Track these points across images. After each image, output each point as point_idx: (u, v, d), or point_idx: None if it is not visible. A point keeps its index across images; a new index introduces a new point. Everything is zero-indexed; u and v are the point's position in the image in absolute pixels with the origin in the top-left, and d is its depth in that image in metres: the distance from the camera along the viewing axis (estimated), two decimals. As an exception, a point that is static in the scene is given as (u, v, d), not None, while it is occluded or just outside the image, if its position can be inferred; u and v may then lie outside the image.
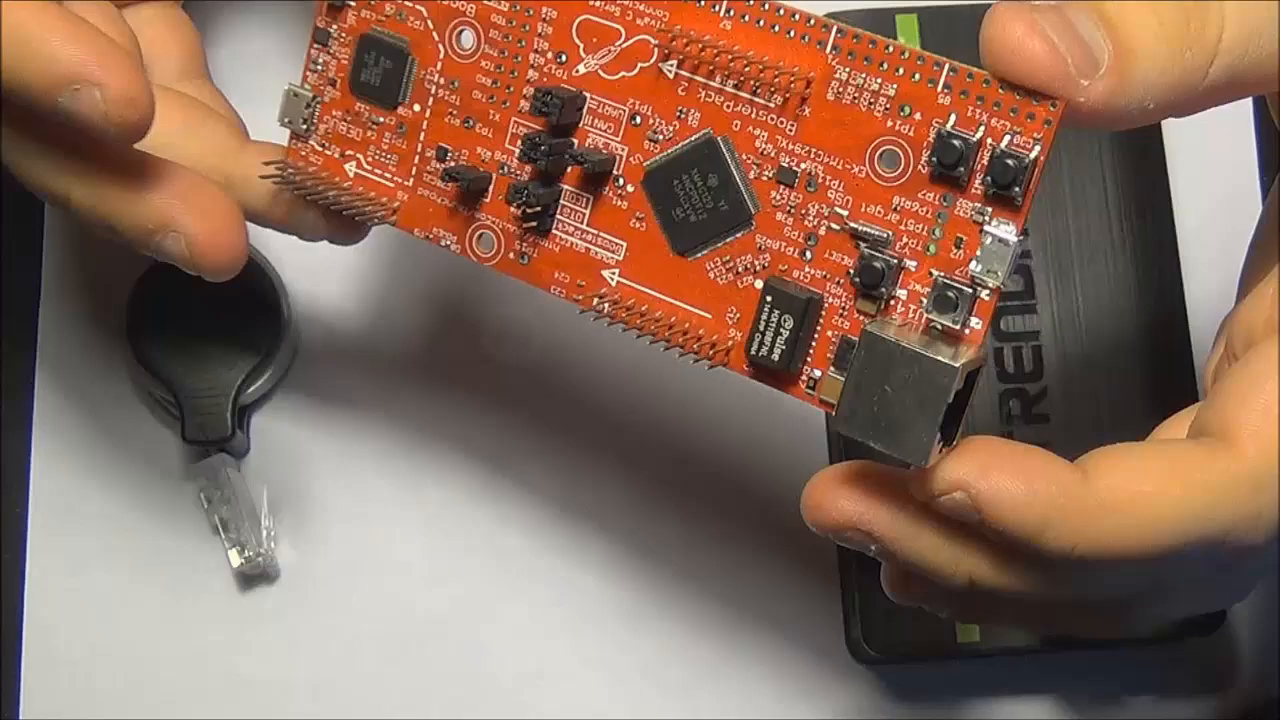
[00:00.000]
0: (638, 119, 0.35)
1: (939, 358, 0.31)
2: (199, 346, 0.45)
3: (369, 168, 0.38)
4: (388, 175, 0.38)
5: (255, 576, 0.46)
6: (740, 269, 0.34)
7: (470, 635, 0.45)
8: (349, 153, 0.38)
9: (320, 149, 0.38)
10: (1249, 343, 0.34)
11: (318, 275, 0.47)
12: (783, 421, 0.46)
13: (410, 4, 0.37)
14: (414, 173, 0.37)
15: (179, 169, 0.36)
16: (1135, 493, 0.31)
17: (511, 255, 0.36)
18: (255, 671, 0.45)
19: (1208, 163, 0.48)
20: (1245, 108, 0.48)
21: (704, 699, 0.45)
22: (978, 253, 0.31)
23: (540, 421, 0.47)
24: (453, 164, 0.36)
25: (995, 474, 0.31)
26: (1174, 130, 0.46)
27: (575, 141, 0.35)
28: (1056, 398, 0.44)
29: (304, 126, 0.38)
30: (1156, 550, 0.31)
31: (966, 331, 0.32)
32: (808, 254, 0.33)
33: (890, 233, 0.32)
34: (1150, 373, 0.44)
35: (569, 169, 0.35)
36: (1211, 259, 0.47)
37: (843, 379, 0.32)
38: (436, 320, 0.47)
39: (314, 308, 0.47)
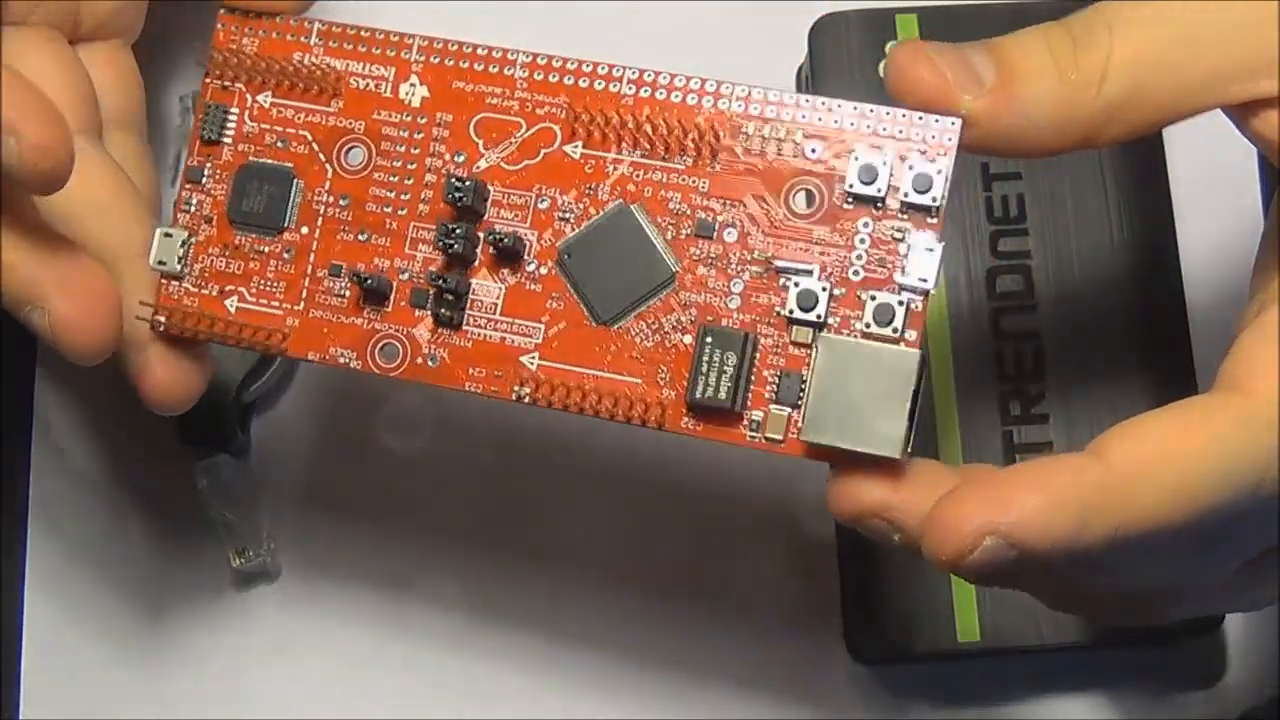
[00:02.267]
0: (545, 202, 0.35)
1: (900, 348, 0.32)
2: (199, 346, 0.45)
3: (253, 300, 0.36)
4: (275, 304, 0.36)
5: (255, 576, 0.46)
6: (667, 328, 0.34)
7: (471, 633, 0.45)
8: (229, 288, 0.36)
9: (196, 289, 0.36)
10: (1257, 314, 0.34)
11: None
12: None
13: (293, 130, 0.36)
14: (304, 295, 0.36)
15: (63, 243, 0.35)
16: (1159, 455, 0.30)
17: (420, 360, 0.35)
18: (255, 672, 0.45)
19: (1207, 162, 0.48)
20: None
21: (704, 699, 0.45)
22: (904, 266, 0.33)
23: (536, 422, 0.47)
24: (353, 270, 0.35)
25: (1014, 500, 0.30)
26: (1174, 129, 0.46)
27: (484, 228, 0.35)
28: (1056, 398, 0.44)
29: (179, 267, 0.36)
30: (1196, 509, 0.30)
31: (903, 342, 0.32)
32: (734, 300, 0.34)
33: (816, 266, 0.33)
34: (1150, 372, 0.44)
35: (481, 253, 0.35)
36: (1211, 259, 0.47)
37: (786, 412, 0.33)
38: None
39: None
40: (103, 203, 0.38)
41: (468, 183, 0.34)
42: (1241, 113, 0.33)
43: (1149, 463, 0.30)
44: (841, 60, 0.46)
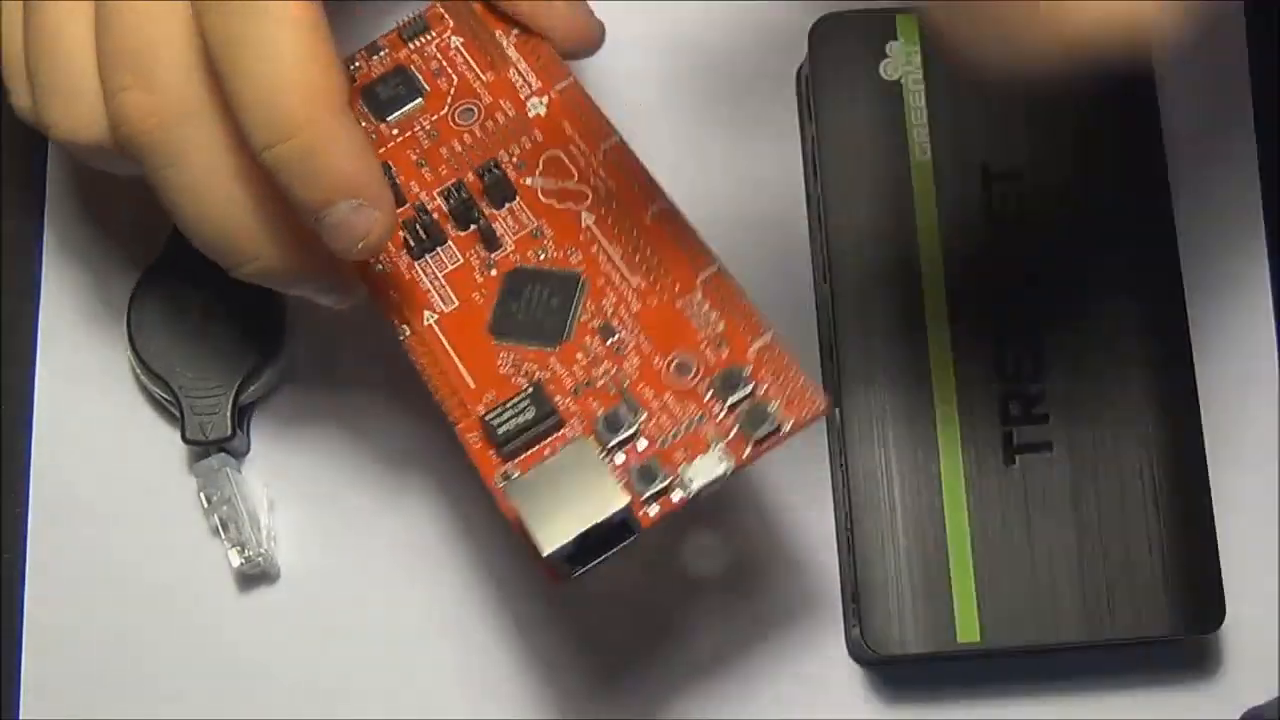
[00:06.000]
0: (538, 233, 0.40)
1: (613, 495, 0.35)
2: (199, 346, 0.45)
3: None
4: None
5: (255, 576, 0.46)
6: (522, 370, 0.39)
7: (472, 632, 0.45)
8: None
9: None
10: None
11: (318, 275, 0.47)
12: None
13: (449, 68, 0.43)
14: None
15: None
16: None
17: (373, 262, 0.40)
18: (255, 671, 0.45)
19: (1208, 162, 0.48)
20: (1245, 107, 0.49)
21: (703, 698, 0.45)
22: (695, 461, 0.36)
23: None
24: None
25: None
26: (1174, 130, 0.46)
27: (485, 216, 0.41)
28: (1056, 397, 0.44)
29: None
30: None
31: (643, 511, 0.36)
32: (577, 390, 0.38)
33: (646, 411, 0.37)
34: (1151, 372, 0.44)
35: (468, 227, 0.40)
36: (1212, 259, 0.47)
37: (518, 475, 0.37)
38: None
39: (314, 306, 0.47)
40: None
41: (498, 173, 0.40)
42: None
43: None
44: (841, 60, 0.46)
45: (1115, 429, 0.43)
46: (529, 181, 0.41)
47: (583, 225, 0.40)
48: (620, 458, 0.37)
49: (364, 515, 0.46)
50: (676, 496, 0.36)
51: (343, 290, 0.40)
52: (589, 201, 0.40)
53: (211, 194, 0.37)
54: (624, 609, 0.45)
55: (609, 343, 0.39)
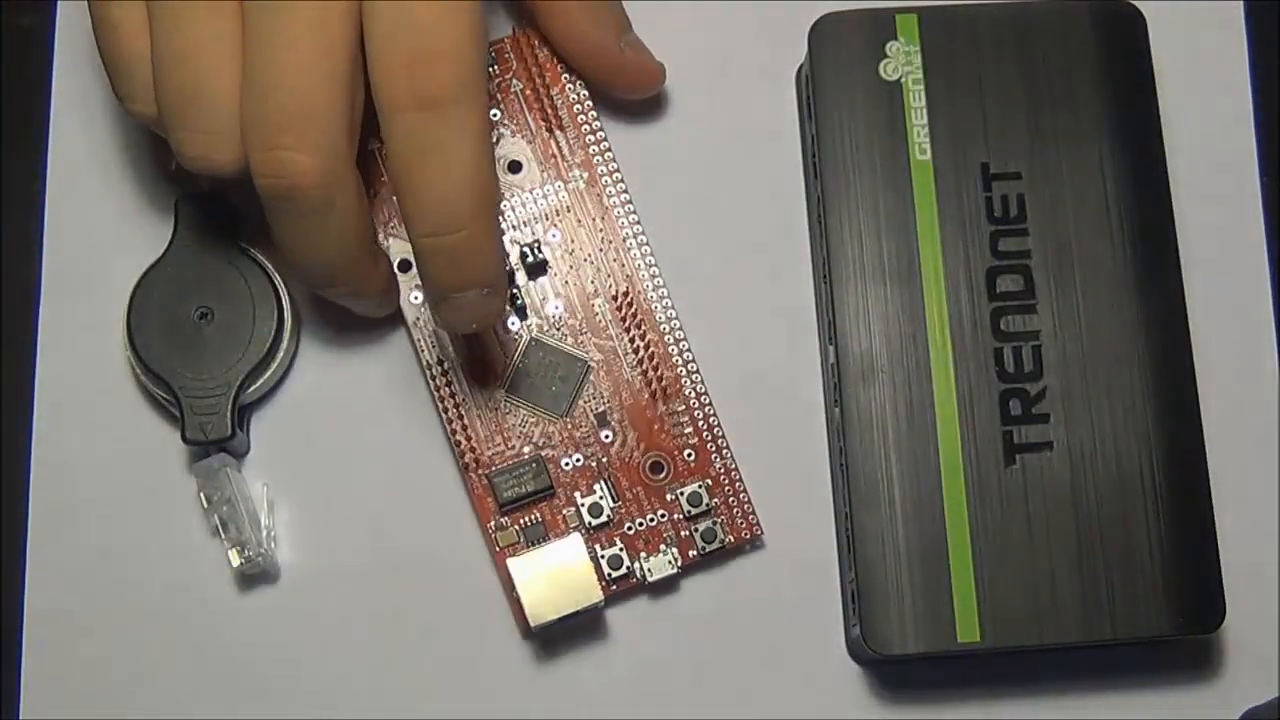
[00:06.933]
0: (557, 308, 0.45)
1: (593, 591, 0.43)
2: (199, 346, 0.45)
3: None
4: None
5: (255, 576, 0.46)
6: (529, 435, 0.44)
7: (472, 635, 0.45)
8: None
9: None
10: None
11: (318, 275, 0.47)
12: (784, 424, 0.46)
13: (504, 110, 0.46)
14: None
15: None
16: None
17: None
18: (255, 671, 0.45)
19: (1208, 163, 0.48)
20: (1245, 107, 0.49)
21: (703, 698, 0.45)
22: (653, 557, 0.44)
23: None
24: None
25: None
26: (1174, 130, 0.46)
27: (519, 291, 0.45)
28: (1056, 398, 0.44)
29: None
30: None
31: (609, 588, 0.44)
32: (569, 465, 0.44)
33: (621, 501, 0.44)
34: (1150, 371, 0.44)
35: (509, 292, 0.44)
36: (1211, 258, 0.47)
37: (518, 539, 0.44)
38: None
39: (314, 307, 0.47)
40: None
41: (541, 255, 0.45)
42: None
43: None
44: (841, 60, 0.46)
45: (1115, 429, 0.43)
46: (559, 255, 0.45)
47: (595, 313, 0.45)
48: (596, 540, 0.44)
49: (364, 515, 0.46)
50: (634, 580, 0.44)
51: (392, 305, 0.45)
52: (609, 292, 0.45)
53: (335, 239, 0.41)
54: (623, 609, 0.45)
55: (601, 428, 0.44)
